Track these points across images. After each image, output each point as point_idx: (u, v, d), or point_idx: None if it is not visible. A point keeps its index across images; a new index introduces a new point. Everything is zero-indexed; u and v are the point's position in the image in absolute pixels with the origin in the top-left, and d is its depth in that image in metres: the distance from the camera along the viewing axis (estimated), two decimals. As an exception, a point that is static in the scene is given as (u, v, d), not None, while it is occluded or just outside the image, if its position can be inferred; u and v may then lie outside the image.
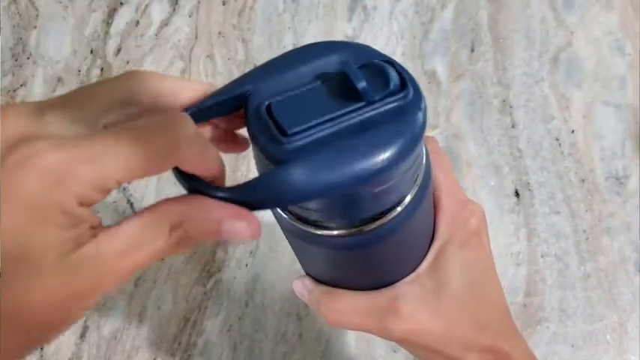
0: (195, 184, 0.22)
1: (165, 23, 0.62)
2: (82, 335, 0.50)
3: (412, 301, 0.30)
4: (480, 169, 0.53)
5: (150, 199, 0.53)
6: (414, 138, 0.23)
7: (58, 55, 0.61)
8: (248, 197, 0.22)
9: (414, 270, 0.31)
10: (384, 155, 0.22)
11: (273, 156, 0.22)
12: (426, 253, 0.31)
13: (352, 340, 0.48)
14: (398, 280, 0.31)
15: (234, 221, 0.22)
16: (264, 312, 0.49)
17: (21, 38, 0.62)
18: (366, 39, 0.60)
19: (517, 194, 0.52)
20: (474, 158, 0.54)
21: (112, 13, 0.63)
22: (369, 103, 0.22)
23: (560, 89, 0.56)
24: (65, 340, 0.49)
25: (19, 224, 0.19)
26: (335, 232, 0.27)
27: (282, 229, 0.29)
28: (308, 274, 0.34)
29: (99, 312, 0.50)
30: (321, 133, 0.22)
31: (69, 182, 0.19)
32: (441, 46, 0.59)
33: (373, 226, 0.26)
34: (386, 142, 0.22)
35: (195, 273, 0.51)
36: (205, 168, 0.22)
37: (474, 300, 0.30)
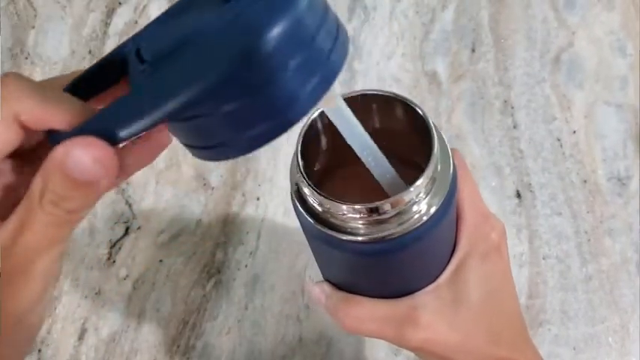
0: (54, 138, 0.21)
1: (164, 23, 0.61)
2: (80, 337, 0.49)
3: (431, 311, 0.30)
4: (481, 170, 0.53)
5: (149, 200, 0.53)
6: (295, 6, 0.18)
7: (56, 56, 0.61)
8: (96, 130, 0.20)
9: (434, 280, 0.31)
10: (257, 31, 0.18)
11: (134, 85, 0.21)
12: (447, 264, 0.31)
13: (353, 342, 0.48)
14: (418, 290, 0.31)
15: (73, 153, 0.20)
16: (263, 314, 0.49)
17: (19, 38, 0.62)
18: (366, 39, 0.59)
19: (518, 195, 0.52)
20: (475, 159, 0.53)
21: (110, 13, 0.62)
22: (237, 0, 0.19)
23: (562, 90, 0.56)
24: (63, 343, 0.49)
25: None
26: (360, 238, 0.26)
27: (304, 232, 0.29)
28: (327, 280, 0.33)
29: (97, 314, 0.50)
30: (182, 46, 0.19)
31: None
32: (441, 47, 0.59)
33: (398, 234, 0.26)
34: (250, 23, 0.18)
35: (194, 275, 0.51)
36: (57, 119, 0.21)
37: (490, 312, 0.31)
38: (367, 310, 0.31)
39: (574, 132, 0.54)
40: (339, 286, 0.33)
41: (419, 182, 0.25)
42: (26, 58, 0.61)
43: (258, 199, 0.53)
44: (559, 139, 0.54)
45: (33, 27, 0.62)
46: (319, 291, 0.33)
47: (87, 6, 0.63)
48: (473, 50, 0.58)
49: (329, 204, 0.26)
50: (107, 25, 0.62)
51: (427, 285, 0.31)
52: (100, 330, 0.49)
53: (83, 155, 0.19)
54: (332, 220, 0.26)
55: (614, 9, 0.59)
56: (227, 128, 0.20)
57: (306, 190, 0.27)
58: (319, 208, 0.27)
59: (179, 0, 0.23)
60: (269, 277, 0.50)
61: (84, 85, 0.22)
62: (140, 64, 0.21)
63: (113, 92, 0.24)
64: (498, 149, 0.54)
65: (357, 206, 0.25)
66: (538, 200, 0.51)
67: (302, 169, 0.26)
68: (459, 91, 0.56)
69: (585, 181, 0.52)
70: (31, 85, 0.21)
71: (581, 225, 0.50)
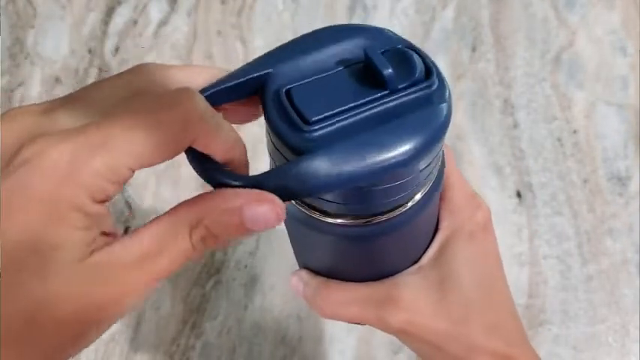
0: (211, 168, 0.21)
1: (163, 22, 0.61)
2: (80, 337, 0.49)
3: (413, 289, 0.29)
4: (482, 170, 0.53)
5: (148, 201, 0.52)
6: (439, 129, 0.22)
7: (56, 55, 0.61)
8: (269, 188, 0.21)
9: (415, 262, 0.30)
10: (408, 147, 0.21)
11: (293, 145, 0.21)
12: (428, 246, 0.30)
13: (353, 342, 0.48)
14: (399, 272, 0.30)
15: (255, 206, 0.20)
16: (263, 314, 0.49)
17: (19, 38, 0.62)
18: (366, 38, 0.59)
19: (519, 195, 0.52)
20: (476, 159, 0.53)
21: (109, 13, 0.62)
22: (393, 92, 0.21)
23: (562, 89, 0.56)
24: (63, 343, 0.49)
25: (26, 223, 0.18)
26: (341, 221, 0.26)
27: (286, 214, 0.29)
28: (305, 268, 0.33)
29: (97, 314, 0.50)
30: (344, 122, 0.21)
31: (77, 173, 0.18)
32: (442, 46, 0.58)
33: (383, 218, 0.26)
34: (410, 133, 0.21)
35: (194, 274, 0.51)
36: (221, 148, 0.21)
37: (483, 298, 0.29)
38: (347, 293, 0.30)
39: (574, 132, 0.54)
40: (318, 273, 0.32)
41: None
42: (25, 58, 0.60)
43: (258, 198, 0.53)
44: (559, 139, 0.54)
45: (32, 27, 0.62)
46: (296, 279, 0.32)
47: (86, 5, 0.63)
48: (473, 49, 0.58)
49: None
50: (107, 24, 0.62)
51: (410, 267, 0.30)
52: (100, 330, 0.49)
53: (265, 212, 0.20)
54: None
55: (614, 9, 0.59)
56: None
57: None
58: None
59: (322, 36, 0.24)
60: (269, 277, 0.50)
61: (212, 101, 0.22)
62: (297, 116, 0.21)
63: (237, 107, 0.24)
64: (499, 149, 0.54)
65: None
66: (538, 200, 0.51)
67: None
68: (459, 91, 0.56)
69: (586, 181, 0.52)
70: (207, 106, 0.20)
71: (581, 225, 0.50)
